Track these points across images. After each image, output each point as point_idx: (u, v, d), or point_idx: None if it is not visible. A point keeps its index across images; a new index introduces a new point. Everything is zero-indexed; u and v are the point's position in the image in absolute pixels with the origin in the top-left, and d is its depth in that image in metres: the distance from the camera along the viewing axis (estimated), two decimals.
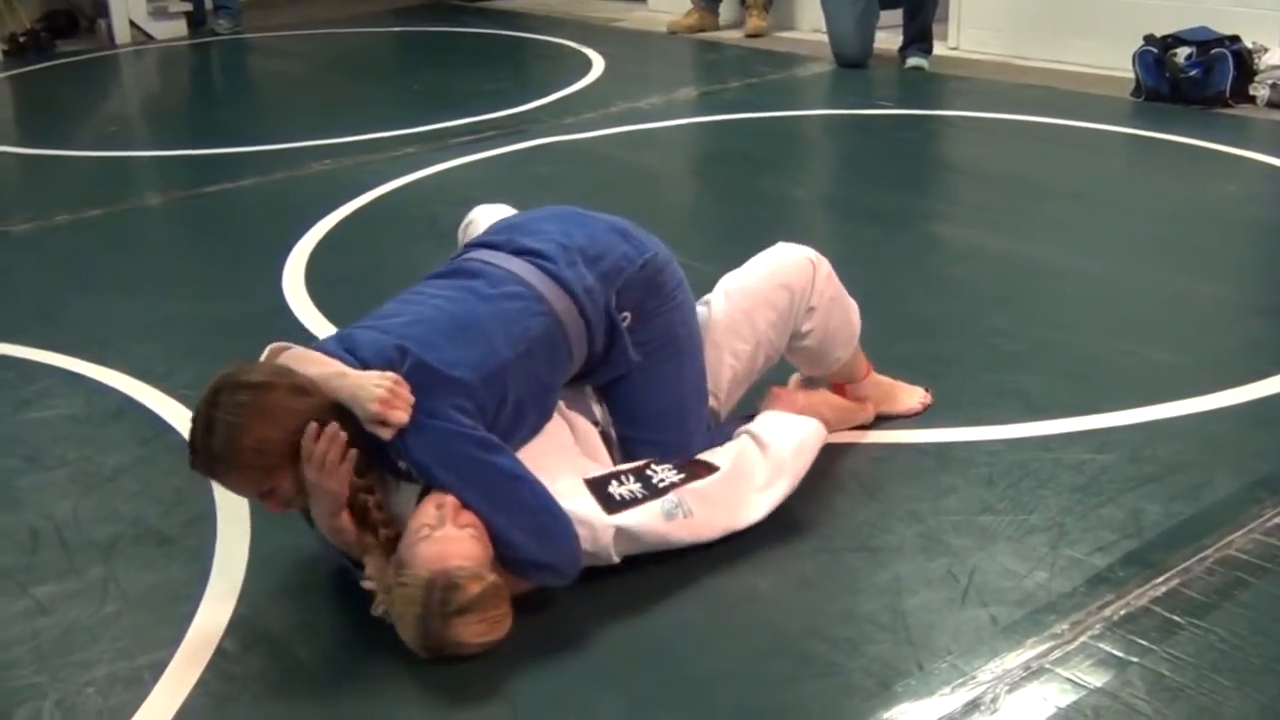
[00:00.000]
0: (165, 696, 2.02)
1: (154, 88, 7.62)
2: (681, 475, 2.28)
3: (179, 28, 8.30)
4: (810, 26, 7.21)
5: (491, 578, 2.04)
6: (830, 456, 2.60)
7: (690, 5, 7.59)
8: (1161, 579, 2.19)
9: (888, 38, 6.56)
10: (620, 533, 2.18)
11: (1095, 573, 2.22)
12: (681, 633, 2.13)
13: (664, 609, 2.19)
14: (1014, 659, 2.01)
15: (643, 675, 2.03)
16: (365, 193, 4.62)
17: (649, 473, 2.27)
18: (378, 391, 2.03)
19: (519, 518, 2.10)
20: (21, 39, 7.89)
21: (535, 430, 2.28)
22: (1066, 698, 1.92)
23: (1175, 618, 2.09)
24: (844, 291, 2.64)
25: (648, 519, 2.21)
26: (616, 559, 2.19)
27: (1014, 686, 1.95)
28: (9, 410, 3.05)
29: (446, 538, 2.03)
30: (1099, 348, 3.13)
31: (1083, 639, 2.05)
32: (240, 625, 2.19)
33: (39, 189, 5.21)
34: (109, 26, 8.10)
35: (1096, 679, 1.96)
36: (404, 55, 7.99)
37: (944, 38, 6.69)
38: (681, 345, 2.42)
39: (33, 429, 2.95)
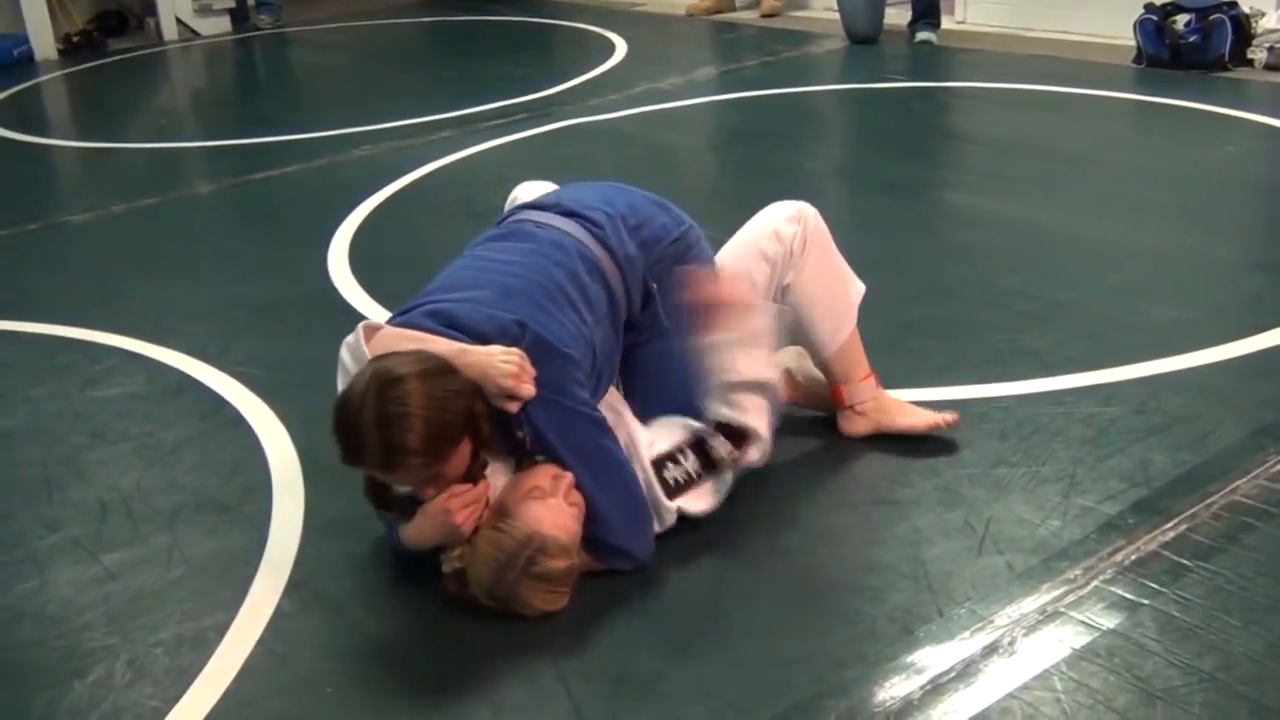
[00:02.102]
0: (229, 655, 2.04)
1: (201, 82, 7.63)
2: (731, 449, 2.25)
3: (223, 24, 8.31)
4: (823, 5, 7.15)
5: (576, 559, 2.06)
6: None
7: None
8: (1170, 525, 2.18)
9: (897, 14, 6.50)
10: (680, 510, 2.21)
11: (1106, 520, 2.21)
12: (713, 585, 2.14)
13: (696, 564, 2.20)
14: (1030, 604, 2.01)
15: (678, 626, 2.04)
16: (403, 176, 4.62)
17: (707, 447, 2.24)
18: (507, 367, 1.99)
19: (620, 502, 2.12)
20: (75, 38, 7.92)
21: (604, 392, 2.25)
22: (1081, 639, 1.92)
23: (1184, 561, 2.08)
24: (843, 266, 2.54)
25: (704, 498, 2.24)
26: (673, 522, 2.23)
27: (1030, 630, 1.95)
28: (75, 389, 3.07)
29: (556, 506, 2.05)
30: (1106, 306, 3.11)
31: (1095, 583, 2.04)
32: (297, 587, 2.20)
33: (96, 180, 5.24)
34: (157, 24, 8.11)
35: (1109, 621, 1.95)
36: (436, 44, 7.97)
37: (951, 12, 6.63)
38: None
39: (98, 406, 2.97)
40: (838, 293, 2.50)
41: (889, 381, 2.59)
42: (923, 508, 2.30)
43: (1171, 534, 2.16)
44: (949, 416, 2.50)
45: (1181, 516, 2.20)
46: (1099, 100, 5.10)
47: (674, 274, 2.31)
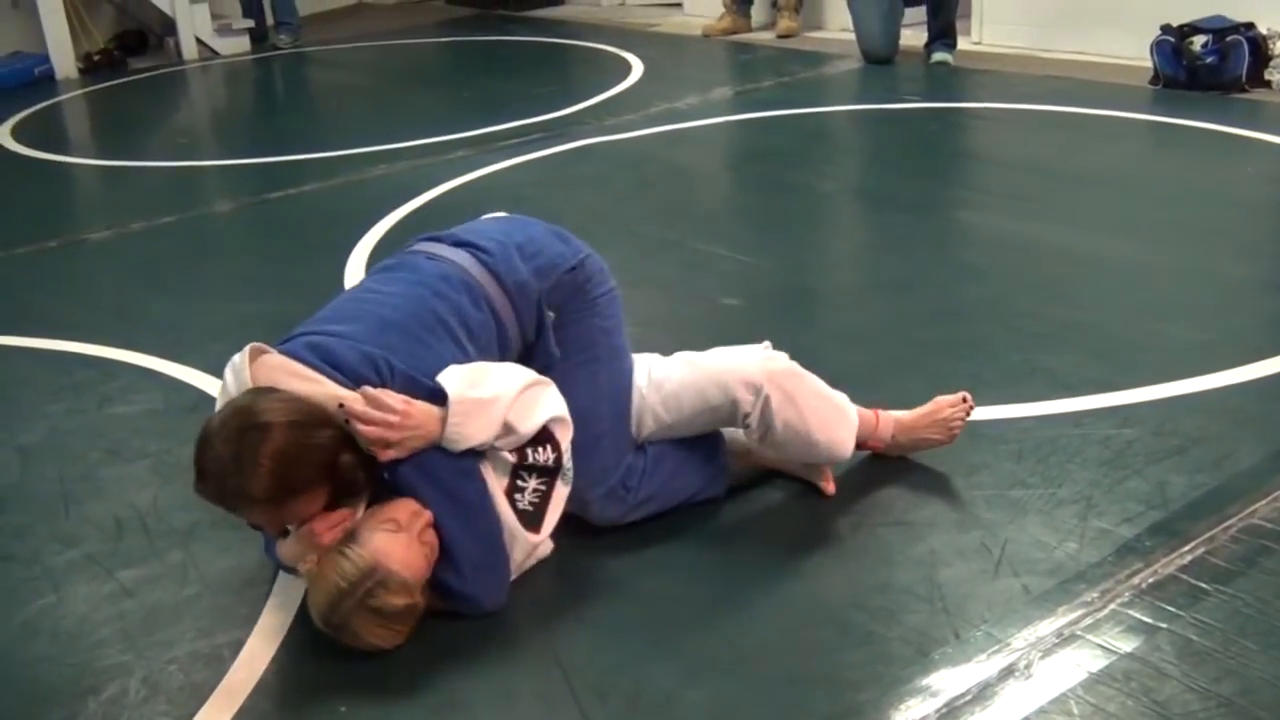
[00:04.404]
0: (243, 673, 2.04)
1: (220, 101, 7.68)
2: (547, 450, 2.17)
3: (242, 44, 8.36)
4: (838, 26, 7.16)
5: (417, 599, 2.04)
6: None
7: (723, 9, 7.56)
8: (1188, 548, 2.17)
9: (913, 34, 6.51)
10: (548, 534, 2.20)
11: (1123, 543, 2.20)
12: (727, 605, 2.13)
13: (710, 583, 2.19)
14: (1046, 626, 1.99)
15: (692, 645, 2.03)
16: (420, 195, 4.63)
17: (532, 461, 2.16)
18: (371, 432, 1.99)
19: (474, 547, 2.10)
20: (96, 57, 7.97)
21: None
22: (1098, 662, 1.90)
23: (1202, 585, 2.07)
24: (820, 406, 2.38)
25: (559, 505, 2.20)
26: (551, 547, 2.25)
27: (1047, 653, 1.93)
28: (93, 406, 3.08)
29: (406, 542, 2.02)
30: (1124, 327, 3.10)
31: (1112, 606, 2.03)
32: None
33: (116, 198, 5.27)
34: (177, 44, 8.17)
35: (1126, 644, 1.94)
36: (454, 64, 8.01)
37: (967, 33, 6.63)
38: (599, 353, 2.35)
39: (115, 423, 2.98)
40: (816, 439, 2.37)
41: (904, 403, 2.58)
42: (938, 529, 2.29)
43: (1189, 557, 2.14)
44: (965, 400, 2.49)
45: (1199, 539, 2.19)
46: (1116, 121, 5.09)
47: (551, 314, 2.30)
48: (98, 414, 3.04)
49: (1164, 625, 1.98)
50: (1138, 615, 2.01)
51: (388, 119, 6.12)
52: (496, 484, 2.15)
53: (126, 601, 2.26)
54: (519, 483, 2.16)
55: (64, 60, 7.78)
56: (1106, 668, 1.89)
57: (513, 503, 2.15)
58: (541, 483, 2.17)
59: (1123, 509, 2.30)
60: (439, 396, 2.06)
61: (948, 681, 1.89)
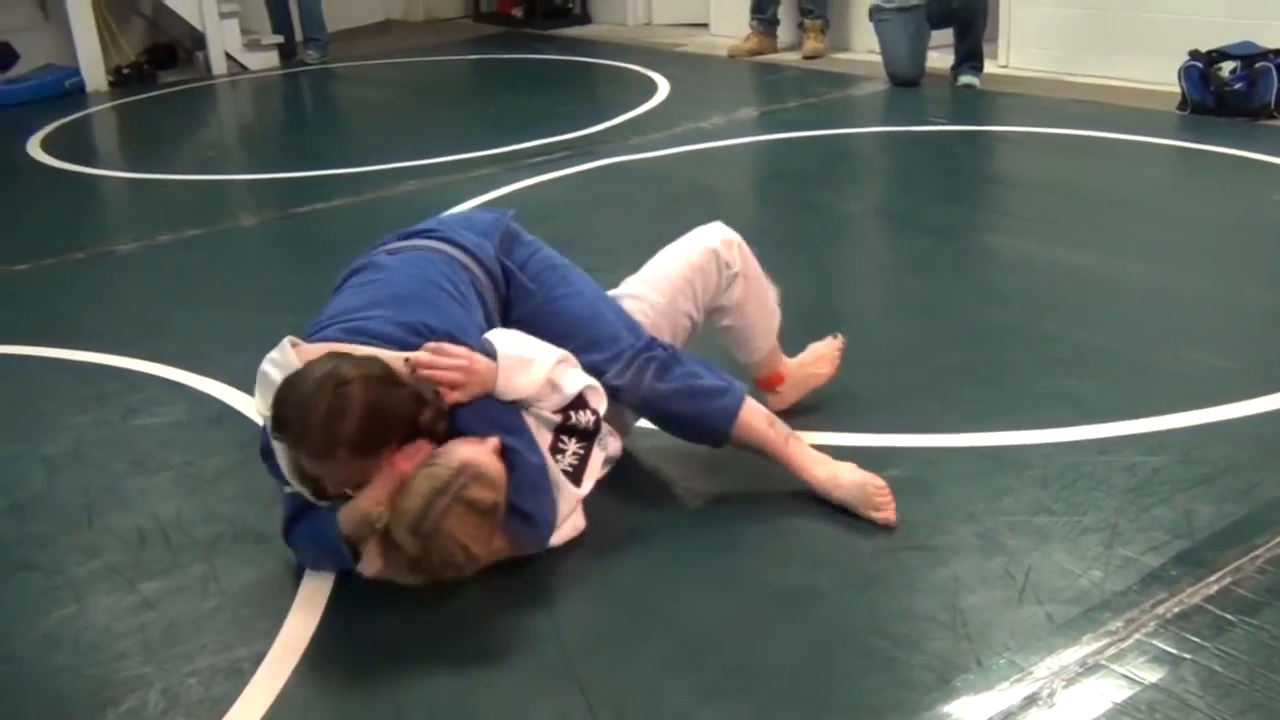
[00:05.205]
0: (263, 686, 2.03)
1: (248, 115, 7.73)
2: (586, 414, 2.30)
3: (271, 59, 8.42)
4: (865, 47, 7.16)
5: (502, 499, 2.12)
6: (884, 460, 2.57)
7: (750, 29, 7.58)
8: (1214, 577, 2.15)
9: (940, 57, 6.51)
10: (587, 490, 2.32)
11: (1149, 572, 2.18)
12: (747, 627, 2.12)
13: (729, 604, 2.18)
14: (1070, 655, 1.98)
15: (709, 667, 2.02)
16: (446, 211, 4.63)
17: (574, 422, 2.28)
18: (449, 376, 2.16)
19: (533, 471, 2.21)
20: (126, 71, 8.04)
21: None
22: (1122, 693, 1.88)
23: (1227, 615, 2.05)
24: (763, 280, 2.70)
25: (597, 468, 2.32)
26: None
27: (1070, 682, 1.92)
28: (117, 417, 3.10)
29: (488, 451, 2.14)
30: (1150, 353, 3.08)
31: (1137, 636, 2.01)
32: (333, 618, 2.20)
33: (144, 211, 5.30)
34: (206, 58, 8.23)
35: (1151, 675, 1.92)
36: (481, 81, 8.04)
37: (994, 56, 6.63)
38: (565, 272, 2.54)
39: (139, 435, 2.99)
40: (766, 308, 2.72)
41: (926, 427, 2.58)
42: (962, 555, 2.27)
43: (1215, 587, 2.12)
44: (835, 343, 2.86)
45: (1226, 569, 2.17)
46: (1143, 146, 5.07)
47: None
48: (122, 425, 3.05)
49: (1189, 656, 1.96)
50: (1162, 645, 1.99)
51: (414, 135, 6.15)
52: (541, 440, 2.26)
53: (148, 613, 2.26)
54: (560, 444, 2.28)
55: (94, 73, 7.84)
56: (1130, 698, 1.87)
57: (554, 461, 2.27)
58: (581, 446, 2.29)
59: (1148, 537, 2.28)
60: (484, 352, 2.21)
61: (970, 709, 1.87)
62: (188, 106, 7.55)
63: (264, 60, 8.37)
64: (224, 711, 1.98)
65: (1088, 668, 1.95)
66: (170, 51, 8.50)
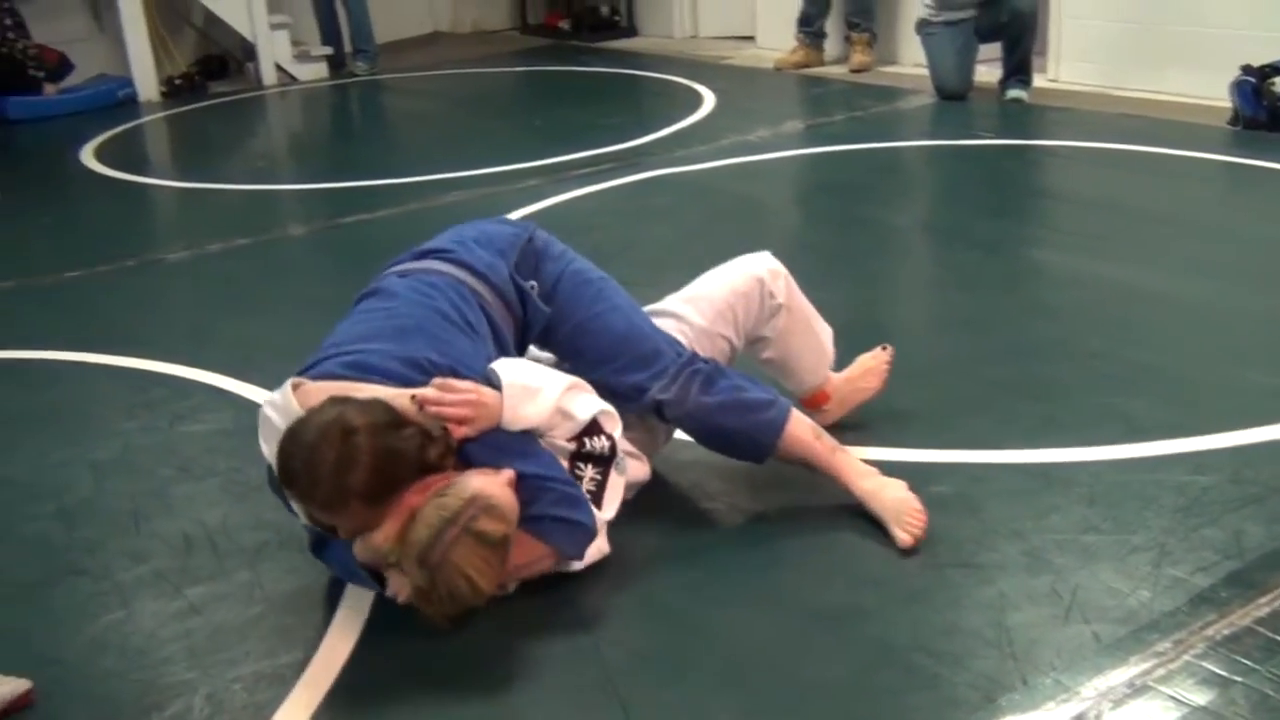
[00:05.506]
0: (306, 694, 2.04)
1: (297, 126, 7.80)
2: (602, 440, 2.27)
3: (320, 70, 8.49)
4: (912, 61, 7.13)
5: (512, 531, 2.08)
6: (930, 475, 2.55)
7: (796, 42, 7.56)
8: (1265, 599, 2.11)
9: (987, 70, 6.47)
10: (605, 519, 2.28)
11: (1198, 592, 2.15)
12: (790, 644, 2.11)
13: (773, 621, 2.17)
14: (1117, 676, 1.95)
15: (753, 684, 2.01)
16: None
17: (589, 449, 2.26)
18: (456, 412, 2.13)
19: (562, 484, 2.18)
20: (178, 81, 8.14)
21: None
22: (1170, 715, 1.86)
23: (1278, 638, 2.01)
24: (811, 314, 2.71)
25: (617, 492, 2.28)
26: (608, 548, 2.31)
27: (1118, 703, 1.89)
28: (164, 424, 3.13)
29: (501, 484, 2.10)
30: (1200, 370, 3.04)
31: (1186, 657, 1.98)
32: (376, 627, 2.21)
33: (193, 219, 5.36)
34: (257, 69, 8.32)
35: (1200, 697, 1.89)
36: (527, 93, 8.08)
37: (1043, 70, 6.58)
38: (601, 286, 2.50)
39: (186, 442, 3.02)
40: (812, 344, 2.71)
41: (974, 443, 2.55)
42: (1008, 572, 2.25)
43: (1266, 609, 2.09)
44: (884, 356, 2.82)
45: (1277, 591, 2.13)
46: (1193, 162, 5.02)
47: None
48: (170, 432, 3.08)
49: (1239, 679, 1.92)
50: (1211, 667, 1.96)
51: (461, 146, 6.19)
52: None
53: (193, 619, 2.28)
54: (576, 471, 2.25)
55: (147, 83, 7.94)
56: None
57: None
58: (598, 472, 2.26)
59: (1198, 557, 2.25)
60: (488, 384, 2.18)
61: None
62: (238, 117, 7.64)
63: (313, 71, 8.45)
64: (267, 718, 1.99)
65: (1135, 689, 1.92)
66: (221, 62, 8.60)
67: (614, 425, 2.29)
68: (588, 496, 2.24)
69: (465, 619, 2.09)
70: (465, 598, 2.04)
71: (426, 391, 2.13)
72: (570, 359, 2.47)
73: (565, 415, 2.23)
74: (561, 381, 2.26)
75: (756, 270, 2.61)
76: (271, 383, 3.25)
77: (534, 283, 2.46)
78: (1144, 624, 2.07)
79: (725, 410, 2.40)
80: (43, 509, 2.74)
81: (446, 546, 2.01)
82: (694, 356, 2.44)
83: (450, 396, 2.13)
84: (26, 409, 3.29)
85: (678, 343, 2.47)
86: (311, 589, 2.34)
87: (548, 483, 2.17)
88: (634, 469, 2.36)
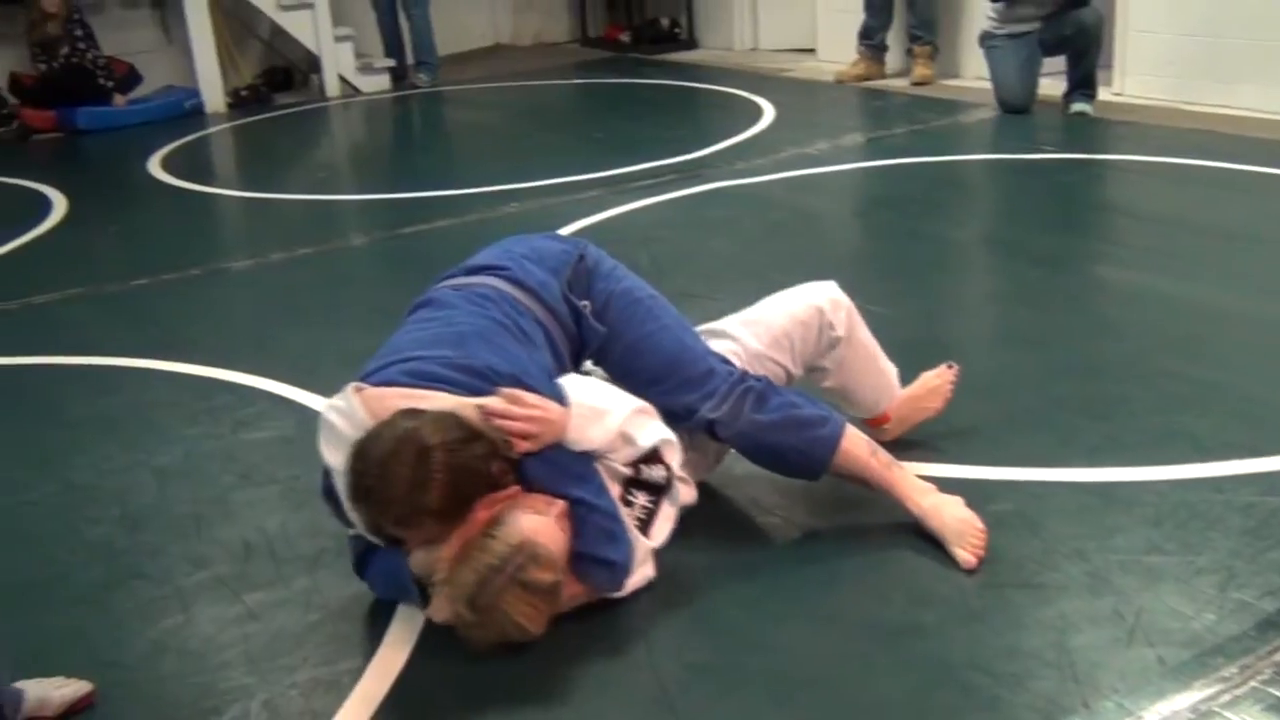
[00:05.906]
0: (362, 701, 2.05)
1: (359, 137, 7.88)
2: (662, 469, 2.26)
3: (383, 82, 8.59)
4: (974, 74, 7.07)
5: (561, 577, 2.08)
6: (990, 493, 2.52)
7: (858, 55, 7.53)
8: None
9: (1051, 83, 6.40)
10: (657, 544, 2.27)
11: (1265, 617, 2.10)
12: (847, 662, 2.09)
13: (830, 638, 2.15)
14: (1181, 700, 1.91)
15: (809, 701, 1.99)
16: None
17: (645, 476, 2.24)
18: (519, 426, 2.12)
19: (607, 519, 2.17)
20: (243, 93, 8.26)
21: None
22: None
23: None
24: (874, 350, 2.67)
25: (666, 522, 2.27)
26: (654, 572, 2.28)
27: None
28: (226, 430, 3.16)
29: (550, 524, 2.09)
30: (1268, 390, 2.98)
31: (1252, 684, 1.94)
32: (431, 635, 2.21)
33: (257, 229, 5.43)
34: (321, 81, 8.43)
35: None
36: (587, 105, 8.11)
37: (1108, 83, 6.50)
38: (651, 305, 2.48)
39: (247, 449, 3.05)
40: (872, 379, 2.68)
41: (1035, 460, 2.51)
42: (1070, 593, 2.22)
43: None
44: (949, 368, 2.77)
45: None
46: (1261, 177, 4.93)
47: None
48: (232, 438, 3.12)
49: None
50: (1278, 694, 1.91)
51: (521, 158, 6.22)
52: (611, 489, 2.23)
53: (252, 624, 2.30)
54: (629, 497, 2.24)
55: (213, 95, 8.07)
56: None
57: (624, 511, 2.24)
58: (650, 500, 2.25)
59: (1266, 581, 2.20)
60: (555, 399, 2.18)
61: None
62: (301, 128, 7.73)
63: (376, 83, 8.54)
64: None
65: (1200, 714, 1.88)
66: (286, 74, 8.72)
67: (674, 456, 2.27)
68: (635, 523, 2.23)
69: (508, 649, 2.09)
70: (515, 638, 2.06)
71: (494, 403, 2.12)
72: (622, 379, 2.45)
73: (627, 440, 2.22)
74: (628, 405, 2.25)
75: (818, 300, 2.58)
76: (332, 391, 3.25)
77: (587, 302, 2.44)
78: (1209, 648, 2.03)
79: (778, 427, 2.38)
80: (106, 513, 2.78)
81: (495, 593, 2.01)
82: (745, 374, 2.42)
83: (518, 410, 2.12)
84: (91, 414, 3.35)
85: (729, 362, 2.46)
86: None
87: (593, 513, 2.16)
88: (682, 493, 2.34)
